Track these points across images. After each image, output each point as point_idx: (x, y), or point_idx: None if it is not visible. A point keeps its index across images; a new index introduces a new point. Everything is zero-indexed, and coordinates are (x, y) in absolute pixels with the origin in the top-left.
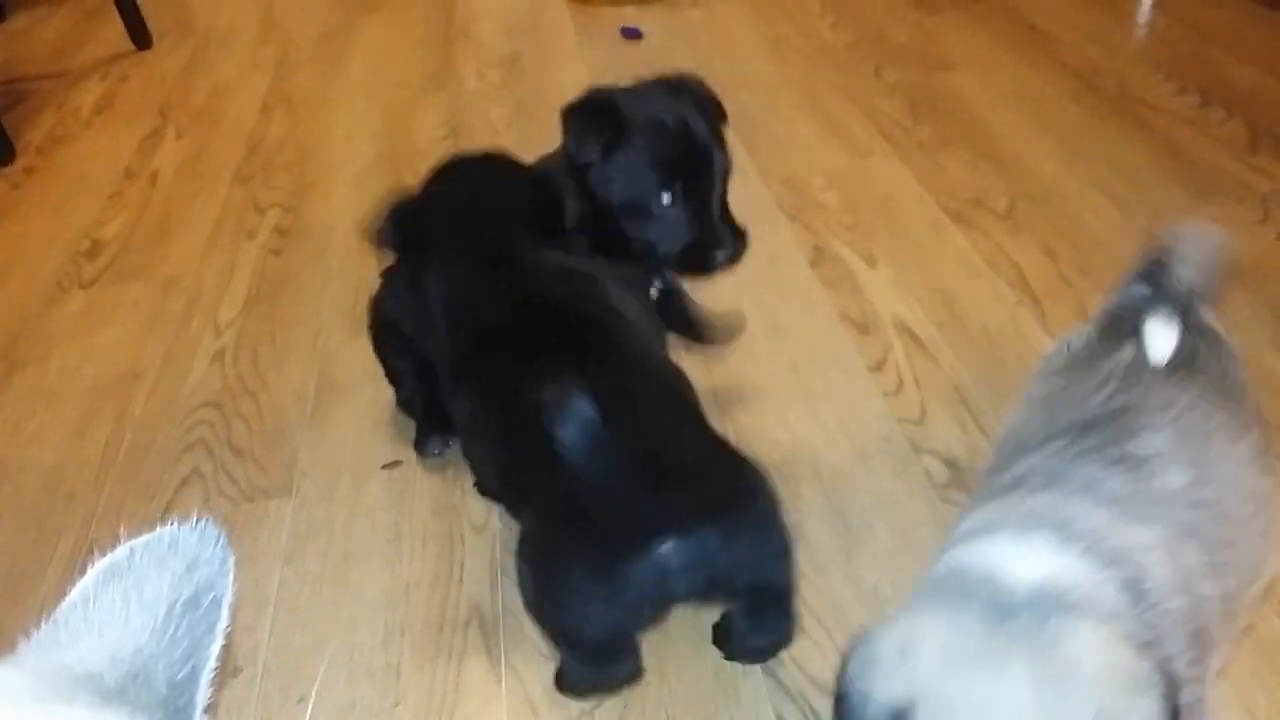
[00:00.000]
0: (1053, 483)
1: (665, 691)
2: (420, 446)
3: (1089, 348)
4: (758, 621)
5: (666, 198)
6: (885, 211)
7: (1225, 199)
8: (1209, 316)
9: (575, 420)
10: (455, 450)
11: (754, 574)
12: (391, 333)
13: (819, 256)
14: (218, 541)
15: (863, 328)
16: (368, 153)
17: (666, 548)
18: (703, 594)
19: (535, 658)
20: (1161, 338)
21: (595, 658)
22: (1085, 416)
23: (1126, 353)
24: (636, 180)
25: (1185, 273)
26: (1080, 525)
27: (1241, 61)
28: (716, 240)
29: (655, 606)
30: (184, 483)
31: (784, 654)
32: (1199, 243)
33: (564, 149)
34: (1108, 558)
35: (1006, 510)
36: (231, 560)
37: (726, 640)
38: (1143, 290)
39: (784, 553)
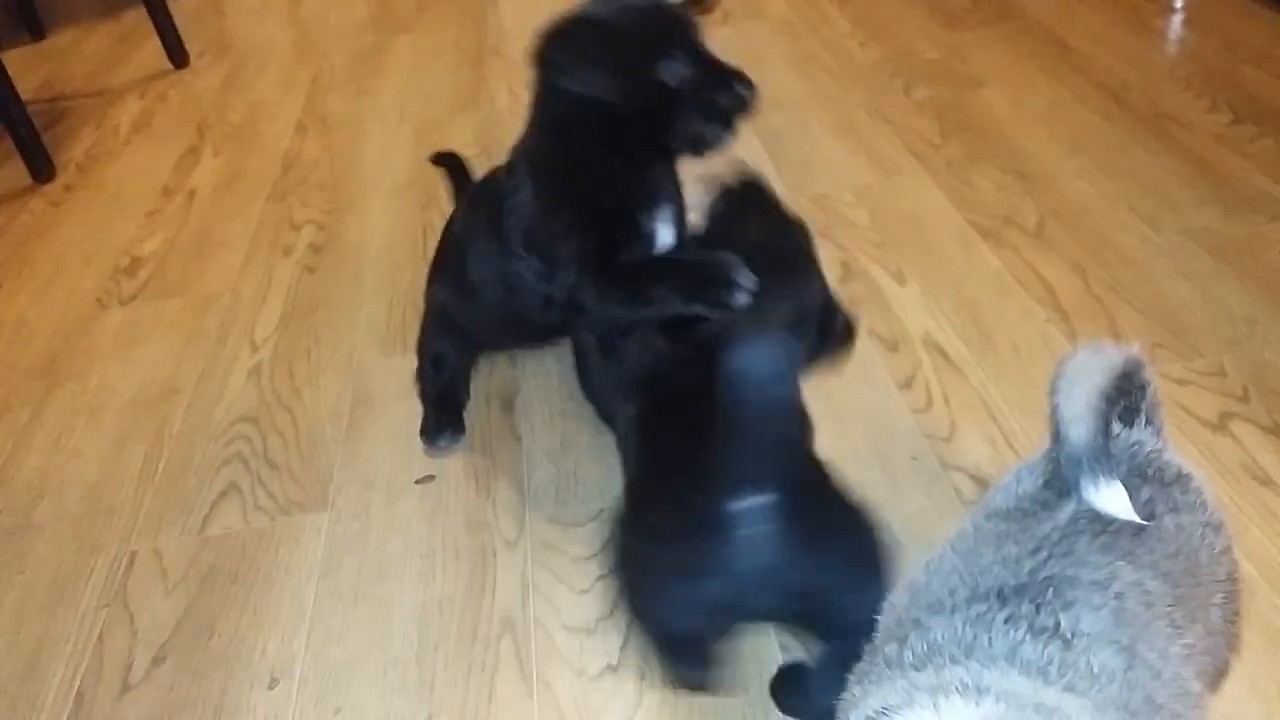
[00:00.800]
0: (973, 652)
1: (694, 706)
2: (430, 438)
3: (1033, 500)
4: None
5: (673, 67)
6: (914, 229)
7: (1258, 217)
8: (1170, 457)
9: (755, 361)
10: (462, 447)
11: (850, 614)
12: (443, 317)
13: (847, 273)
14: None
15: (891, 345)
16: (401, 171)
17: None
18: (792, 615)
19: (566, 672)
20: (1114, 505)
21: (675, 651)
22: (1016, 580)
23: (1066, 513)
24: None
25: (1085, 431)
26: (1004, 688)
27: (1273, 77)
28: (738, 79)
29: (734, 613)
30: (221, 496)
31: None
32: (1091, 379)
33: (542, 104)
34: (1036, 710)
35: (919, 686)
36: None
37: (792, 693)
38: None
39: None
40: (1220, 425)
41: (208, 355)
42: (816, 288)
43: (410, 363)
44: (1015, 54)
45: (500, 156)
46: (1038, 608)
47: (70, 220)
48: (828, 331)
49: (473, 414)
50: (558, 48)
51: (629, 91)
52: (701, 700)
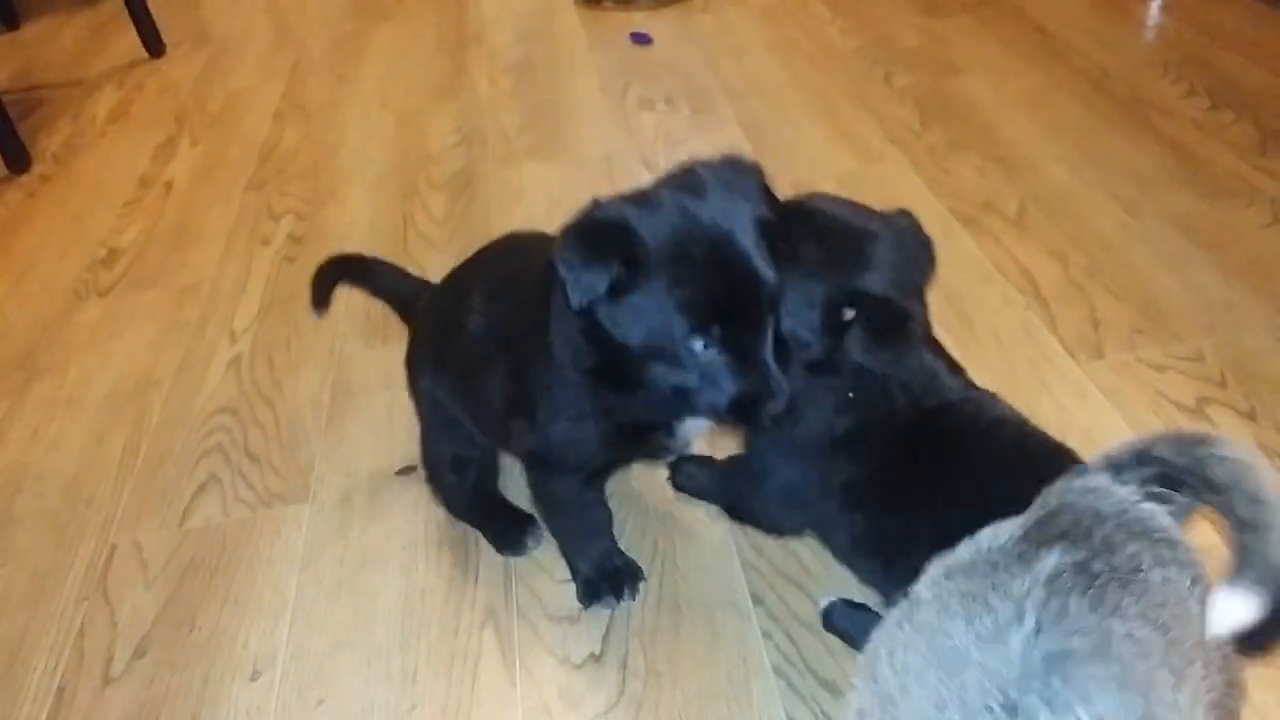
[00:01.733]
0: None
1: (678, 694)
2: (515, 549)
3: (1004, 553)
4: None
5: (699, 344)
6: None
7: (1235, 202)
8: (1164, 520)
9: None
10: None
11: None
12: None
13: None
14: None
15: None
16: (381, 160)
17: None
18: None
19: (550, 660)
20: (1236, 612)
21: None
22: (1013, 672)
23: (1047, 565)
24: (659, 325)
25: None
26: None
27: (1251, 63)
28: (767, 390)
29: None
30: (201, 489)
31: (796, 656)
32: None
33: (559, 285)
34: None
35: None
36: None
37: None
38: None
39: None
40: (1197, 410)
41: (186, 346)
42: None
43: (391, 352)
44: (995, 41)
45: (480, 145)
46: (1052, 708)
47: (47, 211)
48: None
49: None
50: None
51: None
52: (684, 685)
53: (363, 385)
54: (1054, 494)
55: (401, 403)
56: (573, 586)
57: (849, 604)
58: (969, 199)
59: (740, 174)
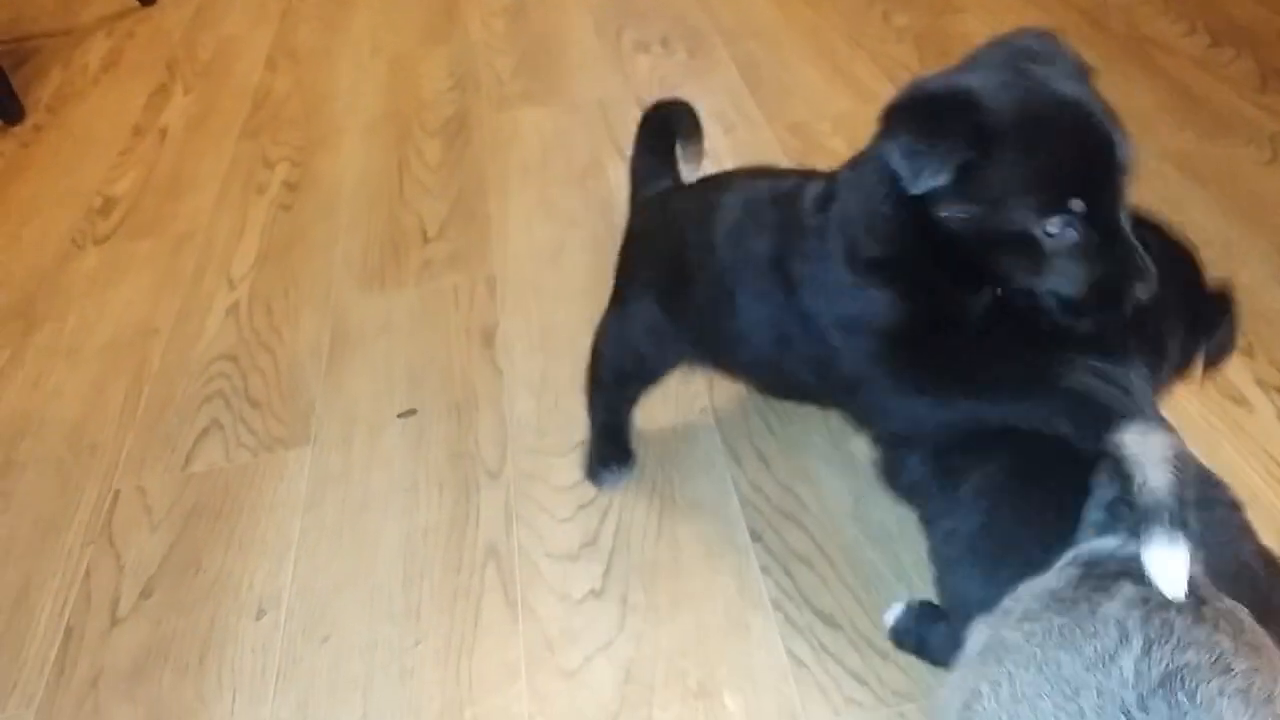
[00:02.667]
0: None
1: (677, 628)
2: (594, 475)
3: (1074, 589)
4: None
5: (1056, 225)
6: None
7: (1234, 139)
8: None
9: None
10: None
11: None
12: (638, 339)
13: None
14: None
15: None
16: (374, 105)
17: None
18: None
19: (550, 597)
20: (1173, 567)
21: None
22: (1128, 699)
23: (1131, 592)
24: (1014, 206)
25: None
26: None
27: (1251, 0)
28: (1136, 270)
29: None
30: (203, 434)
31: (794, 590)
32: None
33: (882, 168)
34: None
35: None
36: None
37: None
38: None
39: None
40: None
41: (184, 295)
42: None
43: (389, 298)
44: None
45: (474, 90)
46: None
47: (41, 161)
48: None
49: (452, 347)
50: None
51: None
52: (683, 620)
53: (360, 331)
54: (1070, 560)
55: (399, 348)
56: (570, 525)
57: (925, 608)
58: None
59: (1054, 43)
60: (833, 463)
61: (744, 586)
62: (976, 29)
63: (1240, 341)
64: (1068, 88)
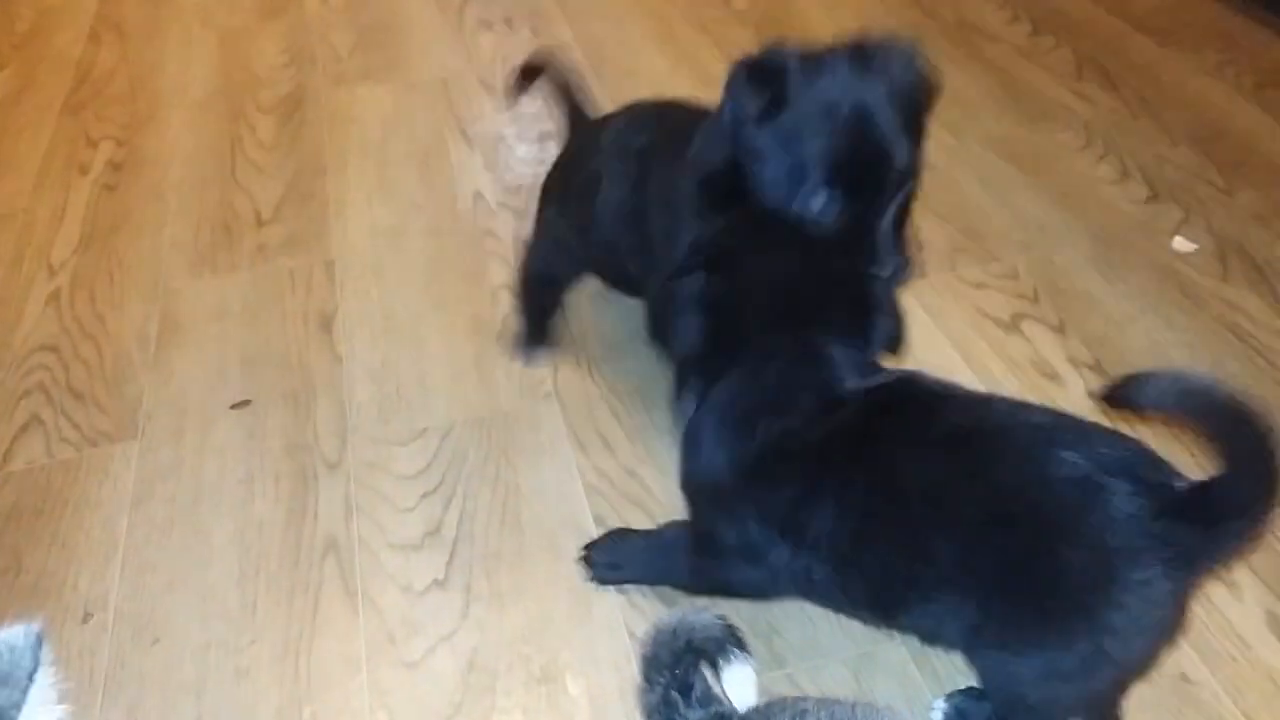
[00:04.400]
0: None
1: (521, 615)
2: (526, 352)
3: None
4: None
5: (817, 203)
6: None
7: (1052, 126)
8: None
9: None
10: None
11: None
12: (556, 239)
13: None
14: (31, 652)
15: None
16: (204, 82)
17: None
18: None
19: (392, 588)
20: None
21: None
22: None
23: None
24: (788, 170)
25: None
26: None
27: None
28: (873, 257)
29: None
30: (23, 430)
31: None
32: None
33: (720, 116)
34: None
35: None
36: (41, 670)
37: None
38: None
39: None
40: (1012, 325)
41: (1, 281)
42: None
43: (221, 283)
44: None
45: (310, 67)
46: None
47: None
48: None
49: (289, 334)
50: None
51: None
52: (527, 606)
53: (191, 318)
54: None
55: (232, 335)
56: (413, 515)
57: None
58: None
59: (900, 55)
60: (677, 446)
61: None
62: (812, 14)
63: (1054, 320)
64: (871, 97)
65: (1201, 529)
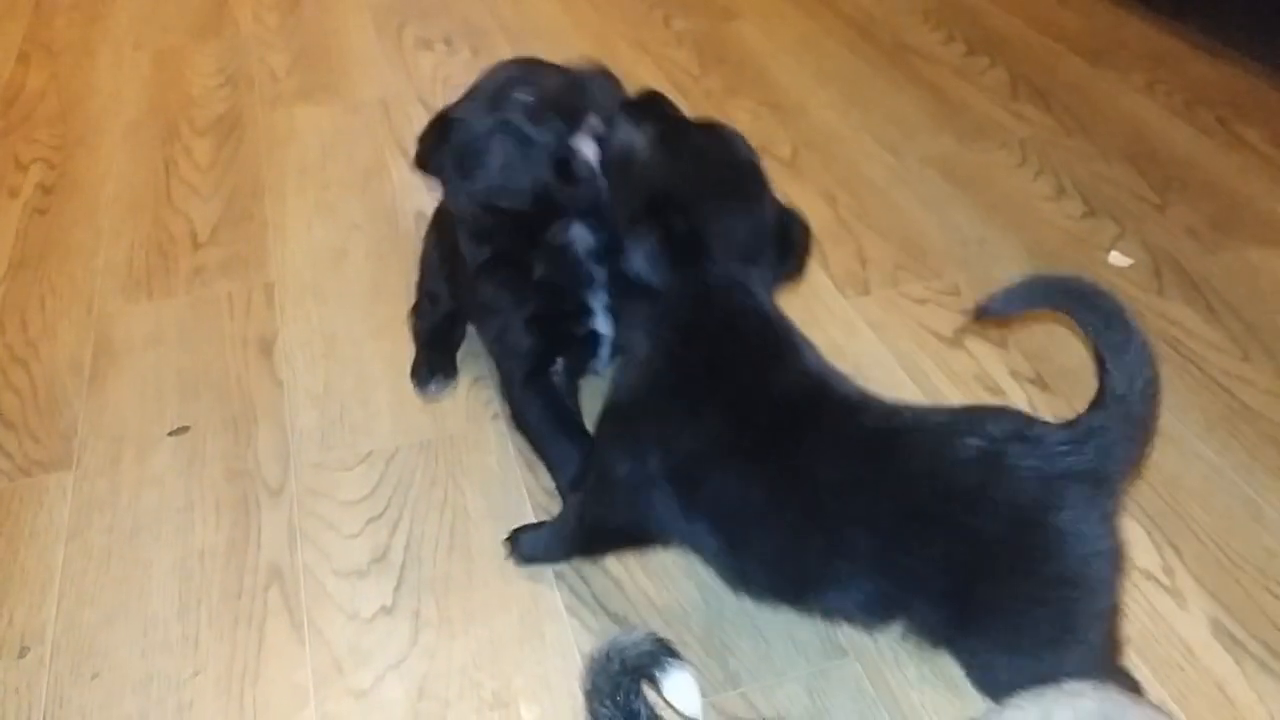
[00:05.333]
0: None
1: (471, 640)
2: (421, 381)
3: None
4: None
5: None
6: None
7: (989, 144)
8: None
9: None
10: (451, 391)
11: None
12: (443, 257)
13: None
14: None
15: None
16: (137, 103)
17: None
18: None
19: (339, 617)
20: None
21: None
22: None
23: None
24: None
25: None
26: None
27: (1004, 11)
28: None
29: None
30: None
31: (589, 595)
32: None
33: None
34: None
35: None
36: None
37: None
38: None
39: None
40: (955, 341)
41: None
42: (769, 200)
43: (157, 308)
44: None
45: (247, 87)
46: None
47: None
48: (788, 241)
49: (228, 359)
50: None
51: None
52: (477, 632)
53: (126, 344)
54: None
55: (170, 361)
56: (359, 541)
57: None
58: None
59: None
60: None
61: (538, 595)
62: (750, 34)
63: (995, 335)
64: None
65: (1099, 446)
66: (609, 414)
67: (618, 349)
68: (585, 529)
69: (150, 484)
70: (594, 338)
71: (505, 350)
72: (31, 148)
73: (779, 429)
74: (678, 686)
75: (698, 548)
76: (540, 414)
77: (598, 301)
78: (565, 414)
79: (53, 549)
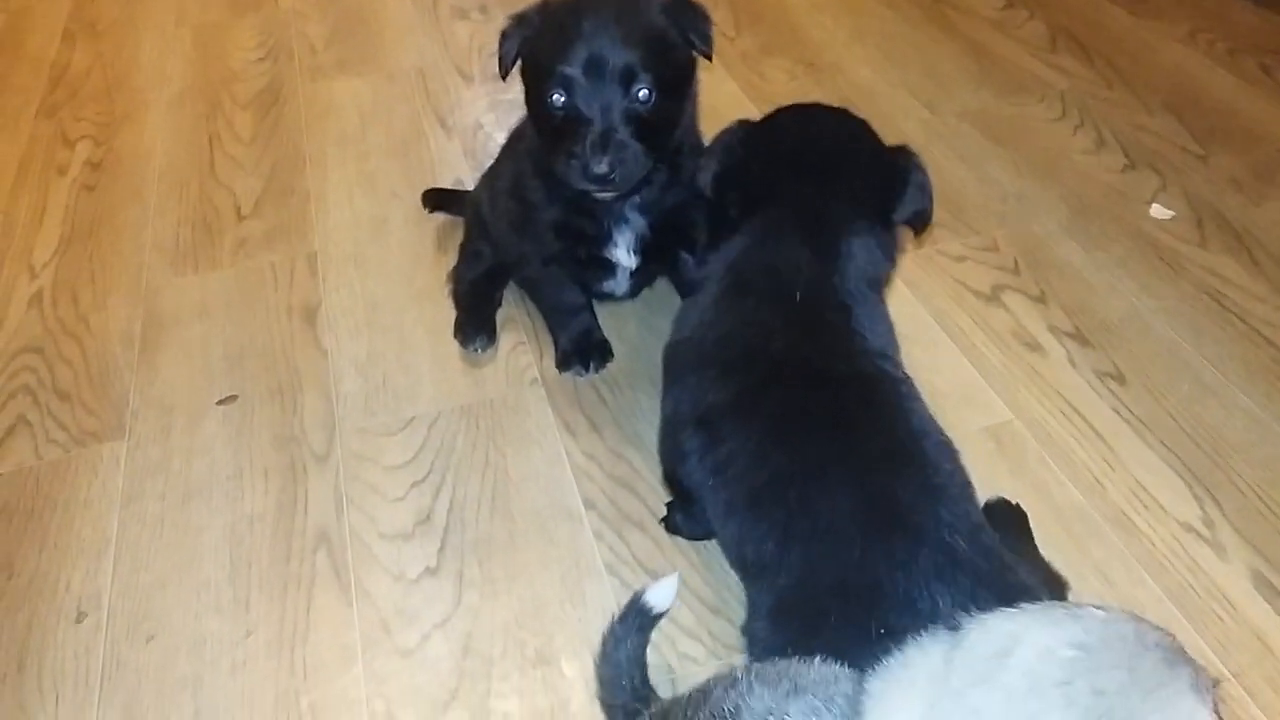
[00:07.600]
0: None
1: (514, 600)
2: (466, 339)
3: None
4: None
5: (558, 98)
6: (713, 121)
7: (1028, 98)
8: None
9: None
10: (492, 353)
11: None
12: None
13: None
14: None
15: None
16: (180, 79)
17: None
18: None
19: (385, 578)
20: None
21: None
22: None
23: None
24: (537, 81)
25: None
26: None
27: None
28: (581, 154)
29: None
30: (10, 432)
31: (628, 554)
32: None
33: None
34: None
35: None
36: None
37: None
38: None
39: None
40: (993, 296)
41: None
42: (865, 143)
43: (204, 280)
44: None
45: (287, 60)
46: None
47: None
48: (901, 184)
49: (273, 329)
50: None
51: None
52: (519, 591)
53: (174, 316)
54: None
55: (217, 331)
56: (403, 505)
57: None
58: (781, 102)
59: None
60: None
61: (578, 554)
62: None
63: (1035, 290)
64: (600, 14)
65: None
66: (664, 352)
67: (639, 284)
68: (666, 477)
69: (200, 452)
70: (610, 265)
71: (526, 237)
72: (78, 125)
73: (790, 400)
74: (662, 588)
75: (709, 505)
76: (551, 288)
77: (622, 236)
78: (572, 292)
79: (107, 517)
